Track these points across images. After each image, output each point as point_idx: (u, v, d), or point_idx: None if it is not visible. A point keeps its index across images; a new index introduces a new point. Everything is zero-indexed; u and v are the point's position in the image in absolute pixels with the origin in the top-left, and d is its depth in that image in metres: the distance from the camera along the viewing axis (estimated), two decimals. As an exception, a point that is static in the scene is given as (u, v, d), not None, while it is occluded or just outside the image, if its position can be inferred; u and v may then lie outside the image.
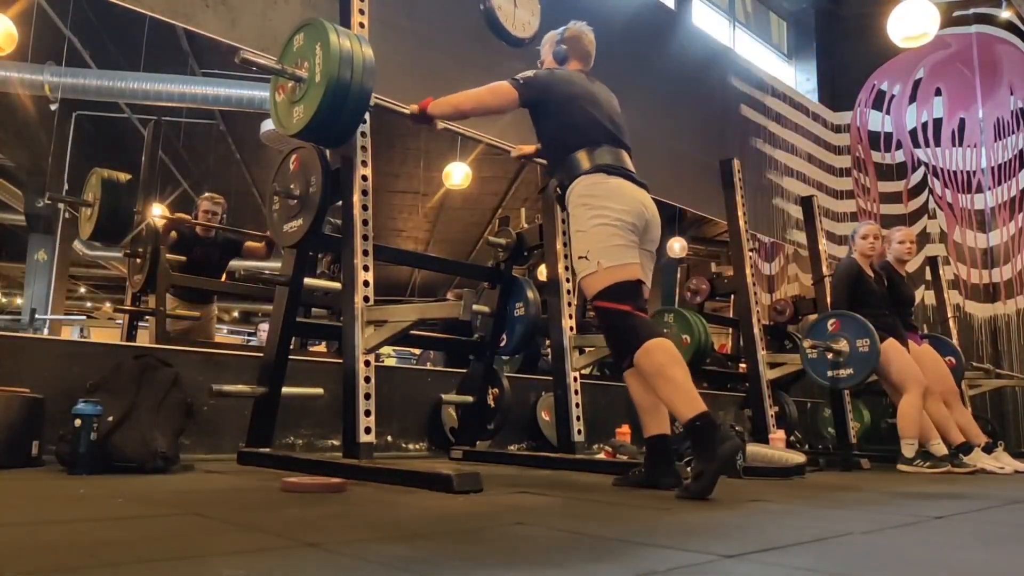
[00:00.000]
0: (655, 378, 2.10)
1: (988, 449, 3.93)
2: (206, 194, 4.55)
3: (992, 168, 7.08)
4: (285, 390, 2.77)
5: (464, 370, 3.65)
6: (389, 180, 9.14)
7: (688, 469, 2.07)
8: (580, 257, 2.24)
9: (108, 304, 13.59)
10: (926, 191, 7.28)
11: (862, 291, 4.01)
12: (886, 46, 5.81)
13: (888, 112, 7.49)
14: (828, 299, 4.65)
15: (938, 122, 7.31)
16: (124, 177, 3.85)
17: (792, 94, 7.23)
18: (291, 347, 2.85)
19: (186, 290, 4.28)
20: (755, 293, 4.34)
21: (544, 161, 3.16)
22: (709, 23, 7.03)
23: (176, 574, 0.95)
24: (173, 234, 4.29)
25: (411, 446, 3.62)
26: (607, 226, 2.20)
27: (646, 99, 5.41)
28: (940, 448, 3.70)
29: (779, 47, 8.11)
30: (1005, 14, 7.16)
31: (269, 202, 2.76)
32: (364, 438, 2.28)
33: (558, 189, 2.41)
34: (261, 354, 2.85)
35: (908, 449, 3.68)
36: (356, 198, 2.48)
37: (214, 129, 8.48)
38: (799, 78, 8.01)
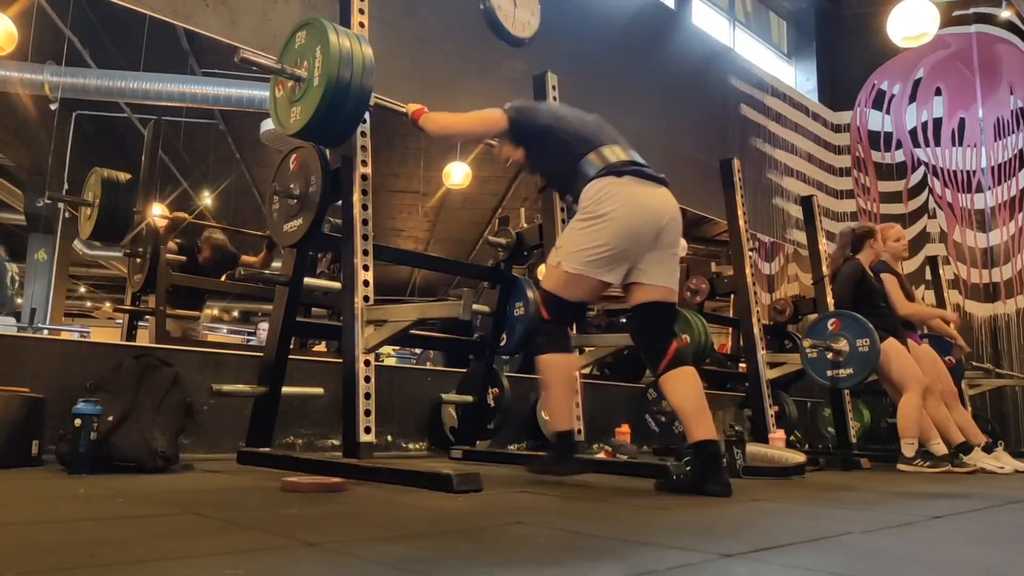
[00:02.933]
0: (544, 386, 2.34)
1: (988, 449, 3.93)
2: (221, 237, 4.62)
3: (992, 168, 7.08)
4: (285, 390, 2.77)
5: (464, 370, 3.65)
6: (389, 180, 9.14)
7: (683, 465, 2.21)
8: (554, 247, 2.30)
9: (108, 304, 13.58)
10: (926, 191, 7.28)
11: (865, 291, 4.00)
12: (886, 46, 5.81)
13: (888, 112, 7.49)
14: (828, 299, 4.66)
15: (938, 122, 7.31)
16: (124, 177, 3.85)
17: (792, 94, 7.23)
18: (291, 347, 2.85)
19: (178, 297, 4.29)
20: (755, 293, 4.34)
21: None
22: (709, 23, 7.02)
23: (176, 574, 0.95)
24: (172, 244, 4.30)
25: (411, 446, 3.62)
26: (587, 234, 2.17)
27: (646, 99, 5.41)
28: (940, 448, 3.70)
29: (779, 47, 8.11)
30: (1005, 14, 7.16)
31: (269, 202, 2.76)
32: (364, 438, 2.29)
33: (575, 204, 2.33)
34: (261, 354, 2.85)
35: (908, 448, 3.68)
36: (356, 198, 2.48)
37: (214, 129, 8.48)
38: (799, 78, 8.01)
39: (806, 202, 5.03)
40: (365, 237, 2.48)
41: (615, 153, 2.26)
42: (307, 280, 2.85)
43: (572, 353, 2.31)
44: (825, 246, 4.95)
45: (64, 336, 6.37)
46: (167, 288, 3.91)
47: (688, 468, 2.13)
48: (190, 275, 4.26)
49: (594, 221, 2.17)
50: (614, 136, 2.36)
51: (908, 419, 3.71)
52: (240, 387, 2.73)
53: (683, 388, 2.20)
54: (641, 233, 2.18)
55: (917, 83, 7.43)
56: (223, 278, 4.62)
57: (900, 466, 3.69)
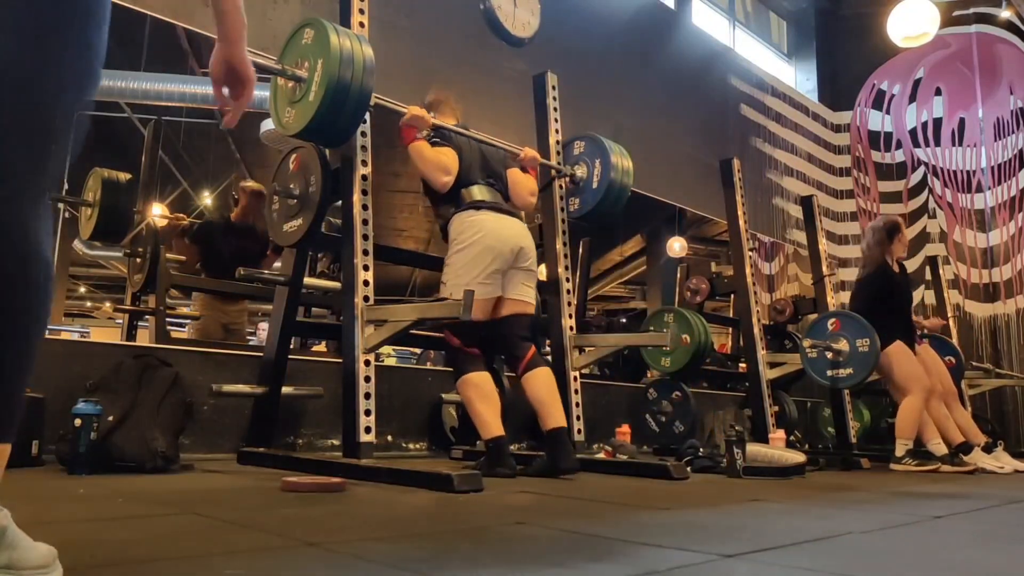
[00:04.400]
0: (466, 404, 2.59)
1: (988, 449, 3.93)
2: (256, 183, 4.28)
3: (992, 168, 7.07)
4: (285, 390, 2.76)
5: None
6: (389, 180, 9.13)
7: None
8: (441, 282, 2.61)
9: (108, 304, 13.58)
10: (926, 191, 7.27)
11: (887, 293, 3.94)
12: (886, 46, 5.81)
13: (888, 112, 7.49)
14: (828, 299, 4.66)
15: (938, 122, 7.31)
16: (124, 177, 3.85)
17: (792, 94, 7.22)
18: (291, 347, 2.84)
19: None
20: (755, 293, 4.34)
21: (550, 163, 3.23)
22: (709, 23, 7.02)
23: (176, 574, 0.95)
24: (184, 221, 4.20)
25: (411, 446, 3.62)
26: (465, 261, 2.53)
27: (646, 99, 5.41)
28: (940, 448, 3.71)
29: (779, 47, 8.11)
30: (1005, 14, 7.15)
31: (269, 202, 2.76)
32: (364, 438, 2.29)
33: (444, 230, 2.69)
34: (261, 354, 2.85)
35: (900, 448, 3.70)
36: (356, 198, 2.48)
37: (214, 129, 8.47)
38: (799, 78, 8.01)
39: (806, 202, 5.03)
40: (365, 237, 2.48)
41: (474, 194, 2.61)
42: (307, 280, 2.85)
43: (484, 371, 2.58)
44: (825, 246, 4.94)
45: (64, 336, 6.38)
46: (167, 288, 3.88)
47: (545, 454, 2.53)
48: (195, 274, 4.19)
49: (467, 248, 2.54)
50: (485, 175, 2.68)
51: (906, 421, 3.73)
52: (240, 387, 2.73)
53: (539, 385, 2.60)
54: (503, 253, 2.57)
55: (917, 83, 7.42)
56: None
57: (892, 466, 3.71)
